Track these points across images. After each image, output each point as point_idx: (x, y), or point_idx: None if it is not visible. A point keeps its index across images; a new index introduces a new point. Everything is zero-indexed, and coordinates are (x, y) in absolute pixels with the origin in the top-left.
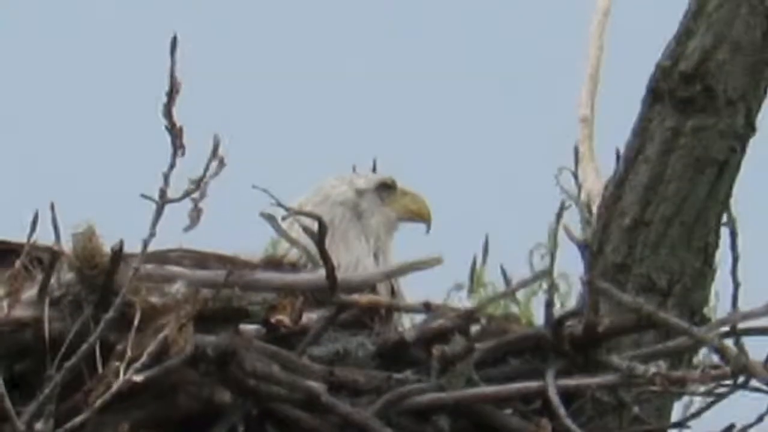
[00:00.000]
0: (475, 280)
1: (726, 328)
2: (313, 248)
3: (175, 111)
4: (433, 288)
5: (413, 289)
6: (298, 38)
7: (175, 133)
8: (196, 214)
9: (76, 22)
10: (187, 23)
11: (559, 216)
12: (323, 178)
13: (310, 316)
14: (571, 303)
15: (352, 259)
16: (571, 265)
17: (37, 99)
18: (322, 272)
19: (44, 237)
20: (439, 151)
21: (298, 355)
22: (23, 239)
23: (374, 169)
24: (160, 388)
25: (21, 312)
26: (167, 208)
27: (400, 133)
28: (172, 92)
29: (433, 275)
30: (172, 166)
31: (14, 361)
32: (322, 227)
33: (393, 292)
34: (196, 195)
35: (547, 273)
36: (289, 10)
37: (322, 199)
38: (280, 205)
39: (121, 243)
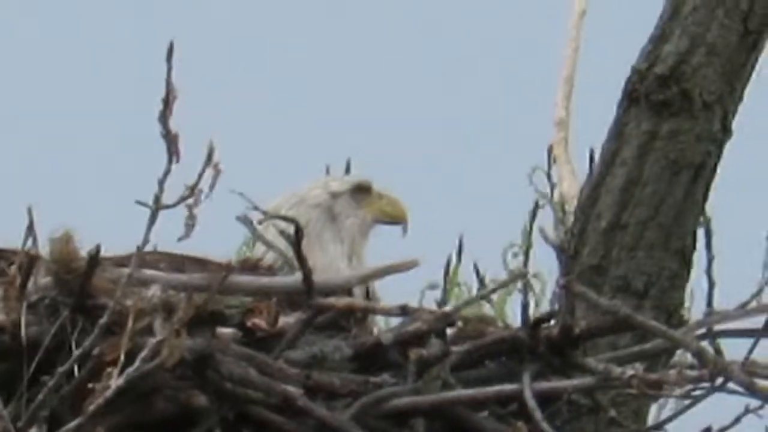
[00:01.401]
0: (449, 279)
1: (703, 330)
2: (289, 251)
3: (170, 118)
4: (407, 288)
5: (389, 289)
6: (293, 43)
7: (170, 139)
8: (191, 221)
9: (69, 28)
10: (183, 30)
11: (533, 216)
12: (299, 182)
13: (287, 320)
14: (546, 303)
15: (327, 261)
16: (545, 265)
17: (32, 104)
18: (298, 275)
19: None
20: (413, 152)
21: (274, 359)
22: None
23: (347, 171)
24: (137, 392)
25: None
26: (162, 214)
27: (375, 133)
28: (168, 99)
29: (408, 275)
30: (167, 172)
31: None
32: (299, 230)
33: (368, 295)
34: (190, 201)
35: (523, 274)
36: (284, 16)
37: (298, 202)
38: (256, 208)
39: (98, 247)
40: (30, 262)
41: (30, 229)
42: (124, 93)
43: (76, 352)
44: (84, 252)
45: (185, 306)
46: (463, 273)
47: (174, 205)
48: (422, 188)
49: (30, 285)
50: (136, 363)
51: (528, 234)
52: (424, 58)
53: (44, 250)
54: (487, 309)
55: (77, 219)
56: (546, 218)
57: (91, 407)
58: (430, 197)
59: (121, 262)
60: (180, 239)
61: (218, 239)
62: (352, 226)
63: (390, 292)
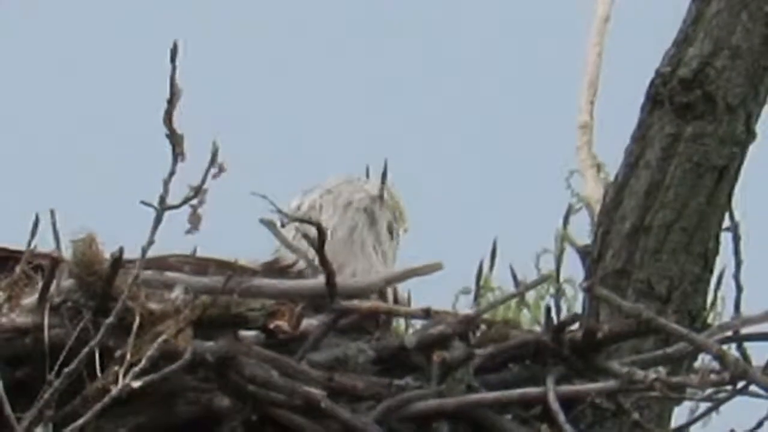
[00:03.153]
0: (481, 284)
1: (727, 334)
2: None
3: (175, 118)
4: (441, 292)
5: (422, 294)
6: (300, 43)
7: (175, 140)
8: (195, 220)
9: (74, 25)
10: (187, 30)
11: (566, 220)
12: (327, 178)
13: (310, 322)
14: (578, 308)
15: (368, 266)
16: (579, 270)
17: (34, 104)
18: (321, 278)
19: (43, 244)
20: (445, 156)
21: (297, 361)
22: (22, 246)
23: (367, 175)
24: (159, 394)
25: (21, 319)
26: (167, 214)
27: (405, 137)
28: (173, 99)
29: (442, 280)
30: (172, 173)
31: (14, 368)
32: (321, 233)
33: (395, 298)
34: (195, 201)
35: (551, 276)
36: (293, 15)
37: (345, 204)
38: (279, 212)
39: (121, 250)
40: (53, 264)
41: (54, 233)
42: (130, 93)
43: (82, 353)
44: (106, 254)
45: (192, 305)
46: (499, 277)
47: (179, 206)
48: (457, 192)
49: (53, 288)
50: (142, 363)
51: (561, 238)
52: (451, 62)
53: (66, 252)
54: (524, 313)
55: (81, 220)
56: (582, 222)
57: (98, 406)
58: (465, 202)
59: (144, 264)
60: (186, 232)
61: (240, 241)
62: (383, 229)
63: (424, 296)
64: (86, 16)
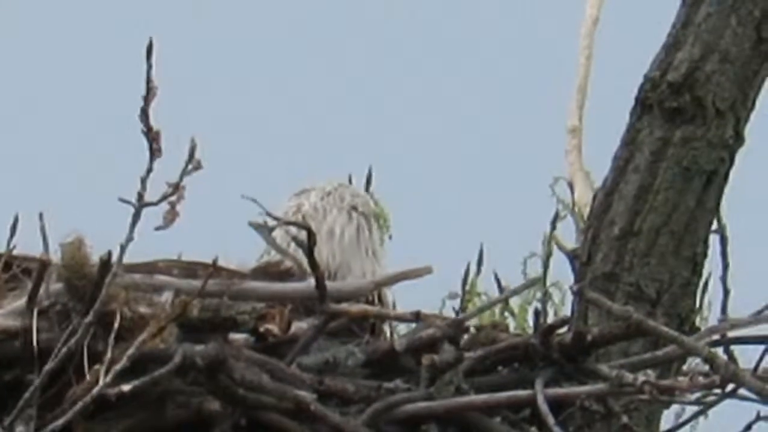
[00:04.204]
0: (468, 288)
1: (715, 337)
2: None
3: (151, 114)
4: (428, 297)
5: (410, 299)
6: (280, 39)
7: (151, 136)
8: (171, 216)
9: (50, 21)
10: (166, 24)
11: (553, 225)
12: (318, 181)
13: (300, 325)
14: (565, 312)
15: (376, 268)
16: (565, 274)
17: (10, 105)
18: (311, 281)
19: (28, 245)
20: (432, 159)
21: (287, 365)
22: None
23: (368, 181)
24: (149, 398)
25: (9, 322)
26: (145, 211)
27: (391, 140)
28: (149, 96)
29: (429, 285)
30: (149, 169)
31: (3, 371)
32: (311, 236)
33: (380, 301)
34: (173, 198)
35: (538, 280)
36: (273, 10)
37: (349, 207)
38: (269, 215)
39: (110, 253)
40: (41, 267)
41: (42, 235)
42: (107, 91)
43: (62, 352)
44: (95, 257)
45: (171, 305)
46: (484, 284)
47: (157, 203)
48: (444, 197)
49: (41, 291)
50: (122, 361)
51: (548, 243)
52: (441, 67)
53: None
54: (509, 319)
55: (59, 218)
56: (568, 226)
57: (78, 406)
58: (452, 206)
59: (133, 268)
60: (158, 229)
61: (223, 242)
62: (378, 232)
63: (411, 301)
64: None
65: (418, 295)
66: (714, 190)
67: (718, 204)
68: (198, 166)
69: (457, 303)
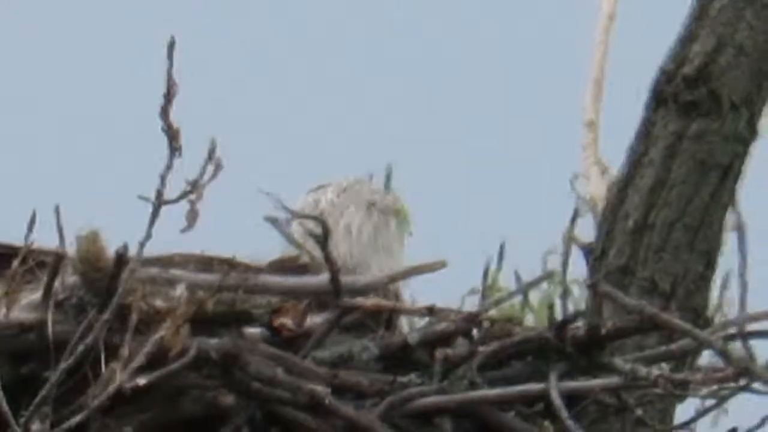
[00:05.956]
0: (488, 284)
1: (731, 331)
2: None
3: (172, 112)
4: (448, 294)
5: (426, 295)
6: (298, 38)
7: (171, 134)
8: (192, 216)
9: (72, 21)
10: (185, 24)
11: (573, 220)
12: (336, 178)
13: (314, 320)
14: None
15: (395, 265)
16: (584, 269)
17: (31, 100)
18: (325, 276)
19: (44, 239)
20: (450, 155)
21: (301, 359)
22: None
23: (388, 179)
24: (164, 392)
25: (24, 315)
26: (164, 209)
27: (409, 137)
28: (169, 94)
29: (450, 281)
30: (168, 167)
31: (19, 364)
32: (325, 230)
33: (396, 296)
34: (192, 196)
35: (554, 273)
36: (288, 11)
37: (367, 204)
38: (286, 209)
39: (126, 246)
40: (57, 260)
41: (58, 229)
42: (127, 88)
43: (79, 349)
44: (111, 251)
45: (187, 302)
46: (505, 280)
47: (176, 201)
48: (461, 191)
49: (57, 284)
50: (140, 359)
51: (568, 239)
52: (458, 62)
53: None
54: (528, 315)
55: (78, 215)
56: (588, 222)
57: (94, 404)
58: (470, 202)
59: (149, 262)
60: (183, 231)
61: (240, 237)
62: (399, 231)
63: (431, 298)
64: (84, 10)
65: (438, 291)
66: (729, 184)
67: (732, 198)
68: (219, 166)
69: (477, 299)
